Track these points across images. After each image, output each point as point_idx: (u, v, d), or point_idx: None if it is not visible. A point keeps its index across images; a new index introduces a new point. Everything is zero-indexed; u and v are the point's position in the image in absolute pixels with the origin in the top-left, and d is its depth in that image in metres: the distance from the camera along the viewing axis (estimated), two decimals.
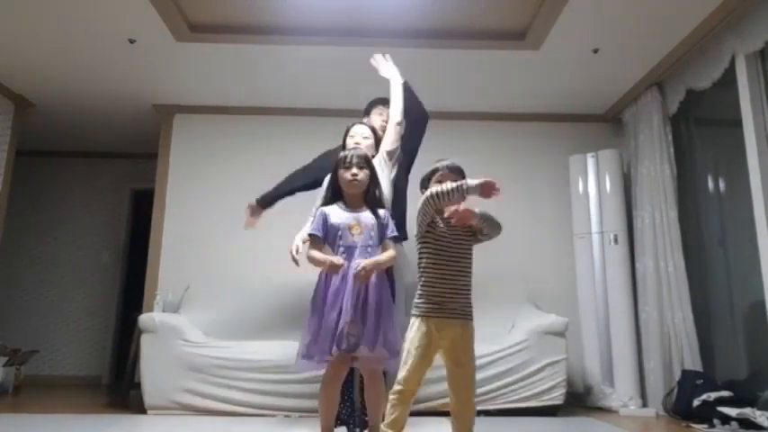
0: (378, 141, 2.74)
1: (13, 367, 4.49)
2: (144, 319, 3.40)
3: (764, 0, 2.89)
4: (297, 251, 2.63)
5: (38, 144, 5.41)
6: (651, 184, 3.86)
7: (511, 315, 3.73)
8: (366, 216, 2.21)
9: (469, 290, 1.95)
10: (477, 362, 1.97)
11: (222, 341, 3.40)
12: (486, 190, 1.85)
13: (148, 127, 4.82)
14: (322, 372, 2.20)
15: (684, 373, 3.39)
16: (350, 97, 3.18)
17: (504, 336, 3.47)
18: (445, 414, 2.04)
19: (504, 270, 4.05)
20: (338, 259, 2.09)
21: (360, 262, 2.11)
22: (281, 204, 4.31)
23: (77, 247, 5.54)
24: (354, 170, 2.19)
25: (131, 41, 3.59)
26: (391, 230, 2.23)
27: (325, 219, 2.19)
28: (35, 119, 4.76)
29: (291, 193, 3.19)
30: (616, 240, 3.93)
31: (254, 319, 3.78)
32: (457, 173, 2.02)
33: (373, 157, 2.51)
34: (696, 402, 3.09)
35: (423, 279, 1.95)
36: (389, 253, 2.18)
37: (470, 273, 1.97)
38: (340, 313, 2.06)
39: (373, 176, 2.26)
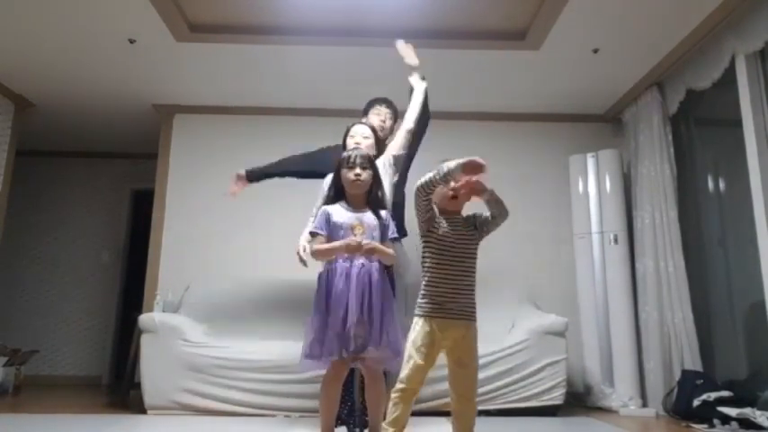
0: (378, 141, 2.73)
1: (13, 367, 4.49)
2: (144, 319, 3.40)
3: (764, 0, 2.89)
4: (304, 250, 2.62)
5: (38, 144, 5.41)
6: (651, 184, 3.86)
7: (511, 315, 3.73)
8: (368, 217, 2.21)
9: (473, 290, 1.95)
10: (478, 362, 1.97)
11: (222, 341, 3.39)
12: (469, 169, 1.86)
13: (148, 127, 4.82)
14: (323, 372, 2.20)
15: (684, 373, 3.39)
16: (350, 97, 3.18)
17: (504, 336, 3.47)
18: (446, 414, 2.04)
19: (504, 270, 4.05)
20: (353, 238, 2.08)
21: (360, 263, 2.11)
22: (280, 205, 4.34)
23: (77, 247, 5.54)
24: (358, 170, 2.19)
25: (131, 41, 3.59)
26: (392, 232, 2.24)
27: (327, 217, 2.18)
28: (35, 119, 4.76)
29: (282, 175, 3.19)
30: (616, 240, 3.93)
31: (254, 319, 3.78)
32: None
33: (376, 157, 2.51)
34: (696, 402, 3.09)
35: (426, 279, 1.95)
36: (390, 251, 2.18)
37: (474, 273, 1.96)
38: (345, 314, 2.06)
39: (376, 177, 2.26)
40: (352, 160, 2.20)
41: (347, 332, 2.04)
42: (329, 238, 2.16)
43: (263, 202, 4.44)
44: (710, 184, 3.74)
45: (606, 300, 3.89)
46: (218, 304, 3.87)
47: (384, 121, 2.94)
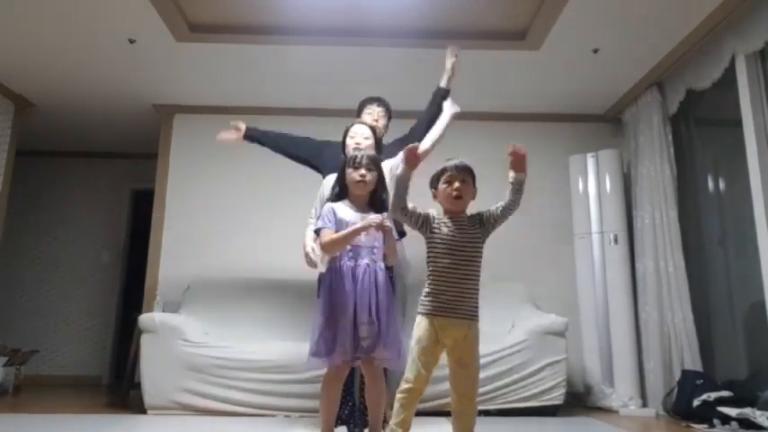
0: (378, 141, 2.73)
1: (13, 367, 4.49)
2: (144, 319, 3.40)
3: (764, 0, 2.89)
4: (313, 251, 2.61)
5: (38, 144, 5.41)
6: (651, 184, 3.86)
7: (511, 315, 3.73)
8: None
9: (477, 290, 1.94)
10: None
11: (222, 341, 3.39)
12: (408, 160, 1.92)
13: (148, 127, 4.82)
14: (323, 371, 2.20)
15: (684, 373, 3.39)
16: (350, 97, 3.18)
17: (504, 336, 3.47)
18: (446, 414, 2.04)
19: (503, 270, 4.05)
20: (375, 216, 2.06)
21: (364, 263, 2.12)
22: (280, 205, 4.35)
23: (77, 247, 5.54)
24: (363, 171, 2.19)
25: (131, 41, 3.59)
26: (394, 233, 2.24)
27: (333, 213, 2.17)
28: (35, 119, 4.76)
29: (275, 149, 3.17)
30: (616, 240, 3.93)
31: (254, 319, 3.78)
32: (466, 172, 2.01)
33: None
34: (696, 402, 3.09)
35: (430, 278, 1.95)
36: (396, 246, 2.19)
37: (479, 273, 1.96)
38: (354, 314, 2.06)
39: (380, 179, 2.26)
40: (358, 161, 2.19)
41: (357, 332, 2.05)
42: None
43: (263, 202, 4.45)
44: (710, 184, 3.74)
45: (606, 300, 3.89)
46: (218, 304, 3.87)
47: (377, 120, 2.95)
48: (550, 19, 3.30)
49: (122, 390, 3.91)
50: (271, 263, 4.25)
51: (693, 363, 3.46)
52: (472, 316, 1.92)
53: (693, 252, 3.74)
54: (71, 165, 5.68)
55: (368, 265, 2.13)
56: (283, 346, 3.31)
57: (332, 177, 2.72)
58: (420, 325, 1.92)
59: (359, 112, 3.06)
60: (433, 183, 2.06)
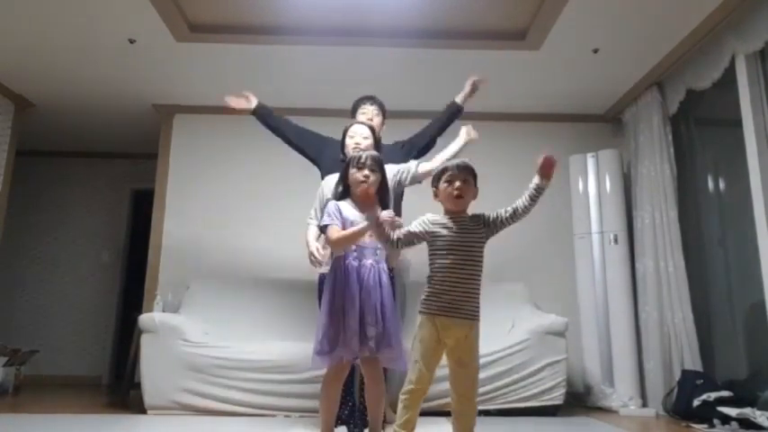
0: (377, 141, 2.74)
1: (13, 367, 4.49)
2: (144, 319, 3.40)
3: (764, 0, 2.89)
4: (318, 250, 2.60)
5: (38, 144, 5.41)
6: (651, 184, 3.86)
7: (511, 315, 3.73)
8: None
9: (478, 292, 1.94)
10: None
11: (222, 341, 3.39)
12: (364, 204, 1.95)
13: (148, 127, 4.82)
14: (324, 371, 2.20)
15: (684, 373, 3.39)
16: (350, 97, 3.18)
17: (504, 336, 3.47)
18: (446, 414, 2.04)
19: (504, 270, 4.05)
20: (387, 212, 2.04)
21: (368, 264, 2.12)
22: (280, 205, 4.34)
23: (77, 247, 5.54)
24: (366, 171, 2.18)
25: (131, 41, 3.59)
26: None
27: (339, 211, 2.16)
28: (35, 119, 4.76)
29: (276, 131, 3.14)
30: (616, 240, 3.93)
31: (254, 319, 3.78)
32: (467, 172, 2.01)
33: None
34: (696, 402, 3.09)
35: (431, 279, 1.94)
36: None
37: (480, 273, 1.95)
38: (360, 314, 2.06)
39: (383, 180, 2.25)
40: (362, 161, 2.19)
41: (364, 332, 2.05)
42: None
43: (262, 202, 4.45)
44: (710, 184, 3.74)
45: (606, 300, 3.89)
46: (218, 304, 3.87)
47: (371, 119, 2.95)
48: (550, 19, 3.30)
49: (122, 390, 3.91)
50: (271, 263, 4.26)
51: (693, 363, 3.46)
52: (473, 316, 1.92)
53: (693, 252, 3.74)
54: (71, 165, 5.68)
55: (372, 265, 2.14)
56: (283, 346, 3.31)
57: (331, 178, 2.73)
58: (422, 325, 1.91)
59: (353, 112, 3.06)
60: (434, 182, 2.06)
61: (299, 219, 3.00)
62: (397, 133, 3.22)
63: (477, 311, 1.93)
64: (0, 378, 4.31)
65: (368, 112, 2.98)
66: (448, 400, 1.95)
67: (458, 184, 1.97)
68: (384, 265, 2.17)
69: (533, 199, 1.97)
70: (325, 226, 2.13)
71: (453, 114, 3.16)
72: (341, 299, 2.08)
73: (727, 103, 3.29)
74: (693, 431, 2.95)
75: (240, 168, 4.51)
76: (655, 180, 3.83)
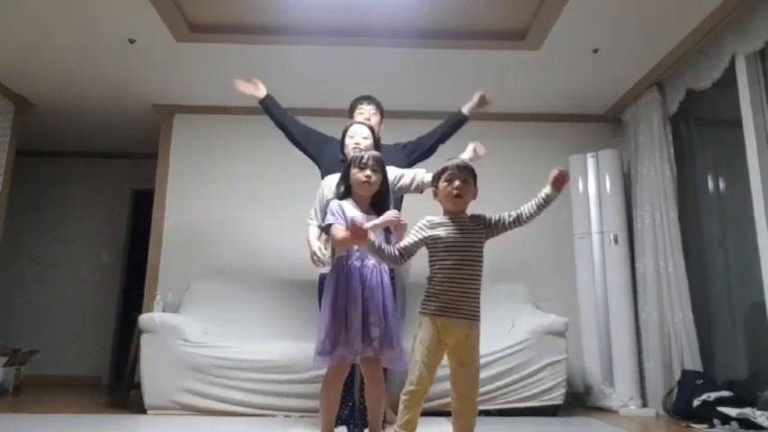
0: (376, 141, 2.74)
1: (13, 367, 4.49)
2: (144, 319, 3.40)
3: (764, 0, 2.89)
4: (320, 250, 2.59)
5: (38, 144, 5.41)
6: (651, 184, 3.86)
7: (511, 315, 3.73)
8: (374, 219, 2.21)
9: (478, 292, 1.94)
10: None
11: (222, 341, 3.39)
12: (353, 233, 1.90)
13: (148, 127, 4.82)
14: (324, 371, 2.20)
15: (684, 373, 3.39)
16: (350, 97, 3.18)
17: (505, 336, 3.47)
18: (446, 414, 2.04)
19: (504, 270, 4.05)
20: (394, 212, 2.05)
21: (371, 264, 2.12)
22: (280, 205, 4.34)
23: (77, 247, 5.55)
24: (368, 172, 2.17)
25: (131, 41, 3.59)
26: (395, 238, 2.24)
27: (343, 210, 2.15)
28: (35, 119, 4.76)
29: (279, 124, 3.15)
30: (616, 240, 3.93)
31: (254, 319, 3.78)
32: (467, 172, 2.00)
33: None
34: (696, 402, 3.09)
35: (432, 279, 1.94)
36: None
37: (480, 273, 1.95)
38: (363, 314, 2.06)
39: (384, 181, 2.25)
40: (364, 161, 2.18)
41: (367, 332, 2.05)
42: None
43: (263, 202, 4.45)
44: (710, 184, 3.74)
45: (606, 300, 3.89)
46: (218, 304, 3.87)
47: (369, 119, 2.95)
48: (550, 19, 3.30)
49: (122, 390, 3.91)
50: (271, 263, 4.26)
51: (693, 363, 3.46)
52: (474, 316, 1.92)
53: (693, 252, 3.74)
54: (71, 165, 5.68)
55: (374, 265, 2.14)
56: (283, 346, 3.31)
57: (331, 178, 2.73)
58: (422, 325, 1.91)
59: (350, 112, 3.06)
60: (434, 181, 2.05)
61: (299, 218, 3.00)
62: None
63: (478, 311, 1.93)
64: (0, 378, 4.31)
65: (365, 112, 2.98)
66: (448, 400, 1.95)
67: (457, 183, 1.97)
68: (385, 266, 2.17)
69: (540, 208, 1.99)
70: (330, 225, 2.11)
71: (458, 123, 3.15)
72: (344, 299, 2.08)
73: (727, 103, 3.29)
74: (693, 431, 2.95)
75: (240, 168, 4.51)
76: (655, 180, 3.83)
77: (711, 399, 3.03)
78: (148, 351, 3.30)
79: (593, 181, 4.10)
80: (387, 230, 2.20)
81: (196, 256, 4.32)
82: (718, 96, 3.52)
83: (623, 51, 3.65)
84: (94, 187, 5.68)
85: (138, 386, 3.35)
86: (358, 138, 2.65)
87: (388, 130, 3.15)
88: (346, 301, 2.07)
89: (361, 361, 2.16)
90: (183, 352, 3.28)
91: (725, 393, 3.05)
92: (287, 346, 3.30)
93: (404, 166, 2.93)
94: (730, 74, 3.22)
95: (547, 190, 1.98)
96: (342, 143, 2.71)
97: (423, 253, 2.01)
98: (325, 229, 2.16)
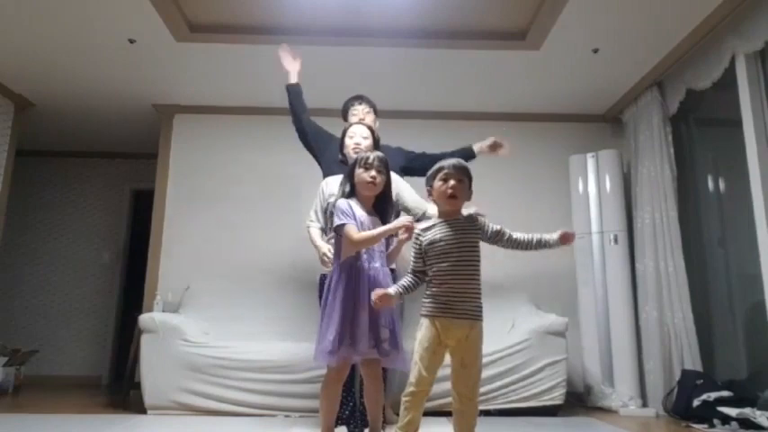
0: (376, 141, 2.74)
1: (13, 367, 4.49)
2: (144, 319, 3.40)
3: (764, 0, 2.89)
4: (330, 251, 2.58)
5: (38, 144, 5.41)
6: (651, 184, 3.86)
7: (511, 315, 3.73)
8: (377, 220, 2.21)
9: (478, 291, 1.93)
10: None
11: (222, 341, 3.40)
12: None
13: (148, 127, 4.82)
14: (324, 371, 2.20)
15: (684, 373, 3.39)
16: (349, 97, 3.19)
17: (505, 336, 3.47)
18: (447, 414, 2.04)
19: (504, 270, 4.05)
20: (408, 218, 2.06)
21: (377, 266, 2.14)
22: (280, 205, 4.35)
23: (77, 247, 5.54)
24: (374, 172, 2.17)
25: (131, 41, 3.59)
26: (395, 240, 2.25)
27: (353, 210, 2.15)
28: (35, 119, 4.76)
29: (295, 114, 3.12)
30: (616, 240, 3.93)
31: (254, 319, 3.78)
32: (462, 172, 2.00)
33: None
34: (696, 402, 3.09)
35: (431, 281, 1.94)
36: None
37: (478, 272, 1.95)
38: (370, 315, 2.06)
39: (388, 182, 2.25)
40: (370, 161, 2.18)
41: (375, 334, 2.06)
42: None
43: (263, 202, 4.45)
44: (710, 184, 3.74)
45: (606, 300, 3.89)
46: (218, 304, 3.87)
47: (363, 119, 2.95)
48: (550, 19, 3.29)
49: (122, 390, 3.91)
50: (271, 263, 4.26)
51: (693, 363, 3.46)
52: (474, 316, 1.91)
53: (693, 252, 3.74)
54: (71, 165, 5.68)
55: (380, 267, 2.14)
56: (283, 346, 3.31)
57: (331, 179, 2.73)
58: (422, 327, 1.91)
59: (344, 115, 3.06)
60: (429, 181, 2.04)
61: (298, 218, 3.00)
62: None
63: (479, 311, 1.93)
64: (0, 378, 4.31)
65: (358, 113, 2.98)
66: (449, 399, 1.95)
67: (452, 182, 1.96)
68: (386, 269, 2.18)
69: (538, 247, 1.99)
70: (342, 225, 2.10)
71: (464, 158, 3.11)
72: (353, 299, 2.08)
73: (727, 103, 3.29)
74: (693, 431, 2.95)
75: (240, 168, 4.51)
76: (655, 180, 3.83)
77: (711, 399, 3.04)
78: (148, 351, 3.30)
79: (593, 181, 4.10)
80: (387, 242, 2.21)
81: (196, 256, 4.32)
82: (718, 96, 3.52)
83: (623, 51, 3.65)
84: (94, 187, 5.68)
85: (138, 386, 3.35)
86: (358, 138, 2.66)
87: (389, 129, 3.15)
88: (355, 302, 2.07)
89: (361, 361, 2.17)
90: (182, 352, 3.28)
91: (725, 393, 3.05)
92: (287, 346, 3.30)
93: (402, 165, 2.94)
94: (730, 74, 3.22)
95: (554, 239, 1.98)
96: (341, 143, 2.71)
97: None
98: (337, 230, 2.14)
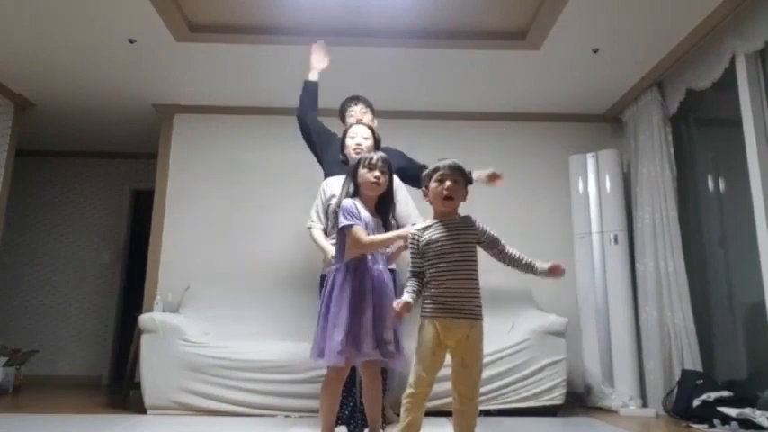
0: (377, 141, 2.74)
1: (13, 367, 4.49)
2: (144, 319, 3.40)
3: (764, 0, 2.89)
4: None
5: (38, 144, 5.41)
6: (651, 184, 3.86)
7: (511, 315, 3.73)
8: (379, 221, 2.21)
9: (477, 291, 1.93)
10: None
11: (222, 341, 3.39)
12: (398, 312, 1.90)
13: (148, 127, 4.82)
14: (324, 371, 2.20)
15: (684, 373, 3.39)
16: (346, 98, 3.20)
17: (505, 336, 3.47)
18: (447, 414, 2.04)
19: (503, 270, 4.04)
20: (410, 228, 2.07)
21: (381, 268, 2.14)
22: (281, 205, 4.35)
23: (77, 247, 5.55)
24: (377, 173, 2.17)
25: (131, 41, 3.59)
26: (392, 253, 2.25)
27: (359, 211, 2.14)
28: (35, 119, 4.76)
29: (306, 111, 3.09)
30: (616, 240, 3.93)
31: (254, 319, 3.78)
32: (458, 173, 1.99)
33: None
34: (696, 402, 3.09)
35: (429, 282, 1.94)
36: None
37: (475, 271, 1.95)
38: (374, 316, 2.06)
39: (391, 183, 2.25)
40: (373, 162, 2.18)
41: (378, 334, 2.06)
42: None
43: (262, 202, 4.45)
44: (710, 184, 3.74)
45: (606, 300, 3.89)
46: (218, 304, 3.87)
47: (360, 120, 2.95)
48: (550, 19, 3.29)
49: (122, 390, 3.91)
50: (271, 262, 4.26)
51: (693, 363, 3.46)
52: (474, 315, 1.91)
53: (693, 252, 3.74)
54: (71, 165, 5.68)
55: (383, 268, 2.15)
56: (283, 346, 3.31)
57: (333, 180, 2.73)
58: (422, 328, 1.91)
59: (341, 116, 3.06)
60: (425, 181, 2.04)
61: (298, 218, 3.00)
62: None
63: (479, 310, 1.93)
64: (0, 378, 4.31)
65: (356, 113, 2.98)
66: (449, 400, 1.95)
67: (448, 183, 1.96)
68: (388, 270, 2.18)
69: (524, 270, 2.01)
70: (350, 226, 2.09)
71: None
72: (360, 300, 2.07)
73: (727, 103, 3.29)
74: (693, 431, 2.95)
75: (240, 168, 4.51)
76: (655, 180, 3.83)
77: (711, 399, 3.04)
78: (148, 351, 3.30)
79: (593, 181, 4.10)
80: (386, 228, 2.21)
81: (196, 256, 4.32)
82: (718, 96, 3.52)
83: (623, 51, 3.65)
84: (94, 187, 5.68)
85: (138, 386, 3.35)
86: (359, 138, 2.66)
87: (389, 129, 3.15)
88: (363, 303, 2.07)
89: (373, 362, 2.17)
90: (182, 352, 3.28)
91: (725, 393, 3.05)
92: (287, 346, 3.30)
93: (399, 166, 2.93)
94: (730, 74, 3.22)
95: (543, 268, 1.99)
96: (342, 143, 2.71)
97: None
98: (342, 230, 2.13)
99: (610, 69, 3.88)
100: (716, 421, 2.93)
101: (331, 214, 2.60)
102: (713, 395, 3.05)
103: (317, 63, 3.16)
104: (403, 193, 2.74)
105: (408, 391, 1.88)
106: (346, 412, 2.60)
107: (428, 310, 1.91)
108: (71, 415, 3.29)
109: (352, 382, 2.59)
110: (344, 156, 2.70)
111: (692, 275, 3.62)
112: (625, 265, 3.90)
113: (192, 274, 4.18)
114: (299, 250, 3.82)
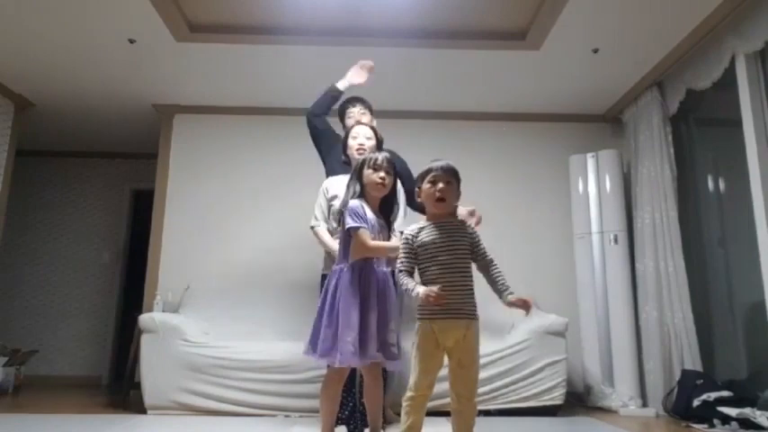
0: (379, 142, 2.74)
1: (13, 367, 4.49)
2: (144, 319, 3.40)
3: (764, 0, 2.89)
4: None
5: (38, 144, 5.41)
6: (651, 184, 3.86)
7: (511, 315, 3.73)
8: (384, 223, 2.21)
9: (471, 291, 1.93)
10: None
11: (222, 341, 3.40)
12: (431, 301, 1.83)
13: (148, 127, 4.82)
14: (324, 371, 2.20)
15: (684, 373, 3.39)
16: (345, 99, 3.20)
17: (505, 336, 3.47)
18: (446, 414, 2.04)
19: (503, 270, 4.04)
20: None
21: (384, 270, 2.15)
22: (281, 205, 4.35)
23: (77, 247, 5.55)
24: (382, 174, 2.17)
25: (131, 41, 3.59)
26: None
27: (365, 212, 2.13)
28: (35, 119, 4.76)
29: (320, 112, 3.09)
30: (616, 240, 3.93)
31: (254, 319, 3.78)
32: (451, 174, 1.98)
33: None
34: (696, 402, 3.09)
35: (424, 284, 1.94)
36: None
37: (469, 274, 1.95)
38: (379, 318, 2.07)
39: (394, 184, 2.25)
40: (378, 162, 2.17)
41: (382, 336, 2.06)
42: None
43: (262, 202, 4.45)
44: (710, 184, 3.74)
45: (606, 300, 3.89)
46: (218, 304, 3.87)
47: (359, 121, 2.94)
48: (550, 19, 3.29)
49: (122, 390, 3.91)
50: (271, 262, 4.26)
51: (693, 363, 3.46)
52: (470, 315, 1.91)
53: (693, 252, 3.74)
54: (71, 165, 5.68)
55: (386, 271, 2.16)
56: (283, 346, 3.31)
57: (334, 180, 2.73)
58: (420, 330, 1.91)
59: (341, 118, 3.06)
60: (418, 181, 2.03)
61: (298, 219, 3.00)
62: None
63: (474, 310, 1.93)
64: (0, 378, 4.31)
65: (354, 114, 2.98)
66: (448, 400, 1.94)
67: (441, 185, 1.95)
68: (390, 274, 2.19)
69: (491, 287, 1.99)
70: (357, 228, 2.08)
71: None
72: (364, 301, 2.07)
73: (727, 103, 3.29)
74: (693, 431, 2.95)
75: (240, 168, 4.51)
76: (655, 180, 3.83)
77: (711, 399, 3.04)
78: (148, 351, 3.30)
79: (593, 181, 4.10)
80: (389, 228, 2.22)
81: (196, 256, 4.32)
82: (718, 96, 3.52)
83: (623, 51, 3.65)
84: (94, 187, 5.68)
85: (138, 386, 3.35)
86: (361, 138, 2.66)
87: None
88: (368, 304, 2.07)
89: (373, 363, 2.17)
90: (182, 352, 3.28)
91: (725, 393, 3.05)
92: (287, 346, 3.30)
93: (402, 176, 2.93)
94: (730, 74, 3.22)
95: (507, 296, 1.96)
96: (344, 144, 2.71)
97: None
98: (348, 231, 2.11)
99: (610, 69, 3.88)
100: (716, 421, 2.93)
101: (334, 215, 2.60)
102: (713, 395, 3.05)
103: (353, 77, 3.15)
104: (400, 200, 2.73)
105: (408, 394, 1.88)
106: (346, 412, 2.60)
107: (424, 312, 1.91)
108: (71, 415, 3.29)
109: (352, 383, 2.59)
110: (347, 156, 2.70)
111: (691, 275, 3.62)
112: (625, 265, 3.90)
113: (192, 274, 4.18)
114: (299, 250, 3.81)
